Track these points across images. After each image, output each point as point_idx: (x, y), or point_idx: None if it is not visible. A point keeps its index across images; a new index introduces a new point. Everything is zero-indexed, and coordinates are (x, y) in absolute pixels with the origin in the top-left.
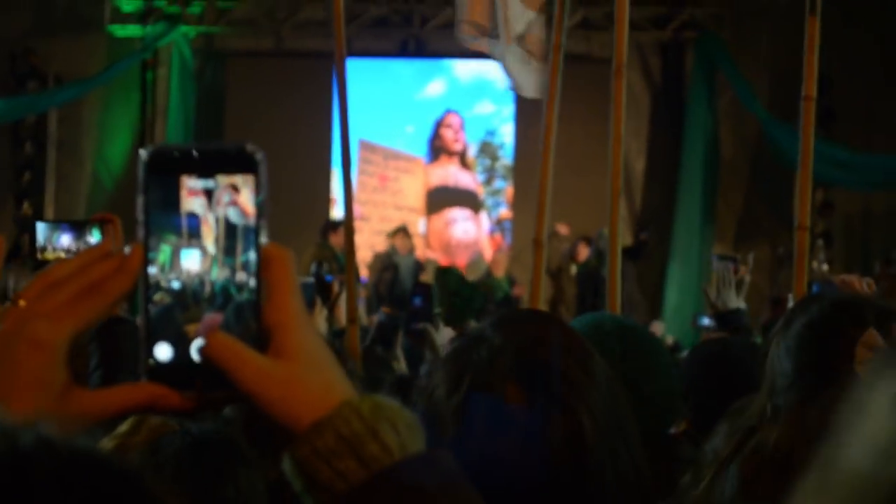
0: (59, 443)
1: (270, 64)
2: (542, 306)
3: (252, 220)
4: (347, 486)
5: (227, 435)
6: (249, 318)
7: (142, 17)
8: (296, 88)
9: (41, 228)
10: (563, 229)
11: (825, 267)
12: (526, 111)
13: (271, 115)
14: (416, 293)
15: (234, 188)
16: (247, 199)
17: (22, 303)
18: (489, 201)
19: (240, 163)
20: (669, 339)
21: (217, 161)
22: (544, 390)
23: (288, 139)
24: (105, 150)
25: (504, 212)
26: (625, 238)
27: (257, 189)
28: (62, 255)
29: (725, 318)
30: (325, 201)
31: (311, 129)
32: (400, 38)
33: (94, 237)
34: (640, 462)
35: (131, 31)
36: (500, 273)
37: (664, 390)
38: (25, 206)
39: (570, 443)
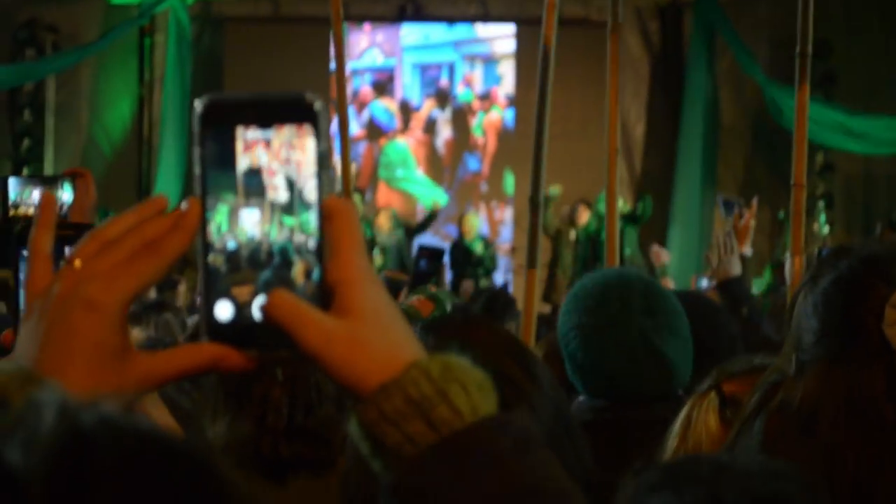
0: (122, 423)
1: (268, 29)
2: (540, 269)
3: (311, 175)
4: (417, 449)
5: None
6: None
7: None
8: (294, 54)
9: (13, 184)
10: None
11: (826, 229)
12: (525, 74)
13: (269, 81)
14: (421, 256)
15: (292, 142)
16: (305, 151)
17: (77, 263)
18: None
19: (298, 112)
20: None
21: (275, 111)
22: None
23: None
24: (103, 117)
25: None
26: (626, 202)
27: (318, 139)
28: (32, 210)
29: (727, 286)
30: None
31: None
32: (398, 3)
33: (65, 192)
34: (585, 459)
35: None
36: (470, 237)
37: (681, 352)
38: (24, 172)
39: None
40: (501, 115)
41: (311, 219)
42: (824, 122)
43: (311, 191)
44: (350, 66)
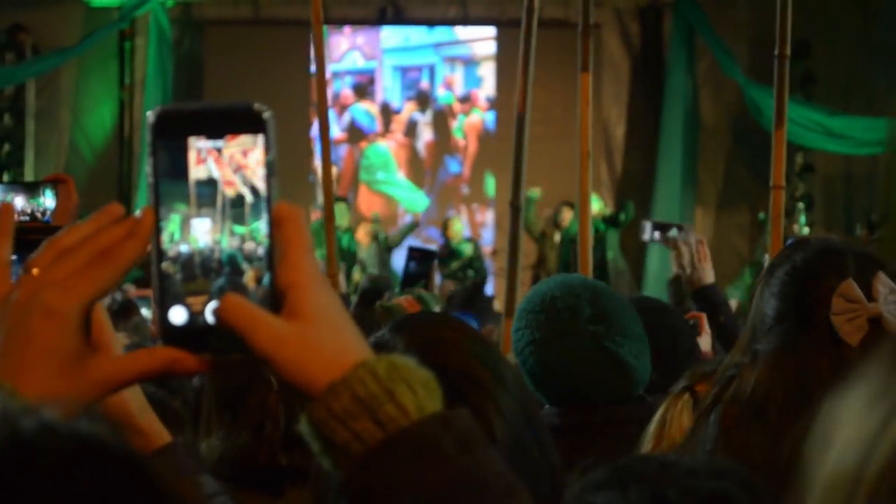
0: (62, 428)
1: (248, 32)
2: (524, 272)
3: (261, 183)
4: (364, 447)
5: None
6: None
7: None
8: (274, 57)
9: None
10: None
11: (806, 230)
12: (505, 76)
13: (250, 84)
14: (410, 258)
15: (242, 152)
16: (255, 160)
17: (35, 271)
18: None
19: (247, 122)
20: None
21: (225, 121)
22: (450, 393)
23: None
24: (84, 121)
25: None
26: (606, 204)
27: (266, 149)
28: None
29: (702, 294)
30: (305, 170)
31: (290, 98)
32: (378, 5)
33: (47, 198)
34: (552, 460)
35: (109, 0)
36: (456, 240)
37: (637, 352)
38: (5, 177)
39: None
40: (482, 117)
41: (262, 227)
42: (804, 123)
43: (260, 198)
44: (330, 68)
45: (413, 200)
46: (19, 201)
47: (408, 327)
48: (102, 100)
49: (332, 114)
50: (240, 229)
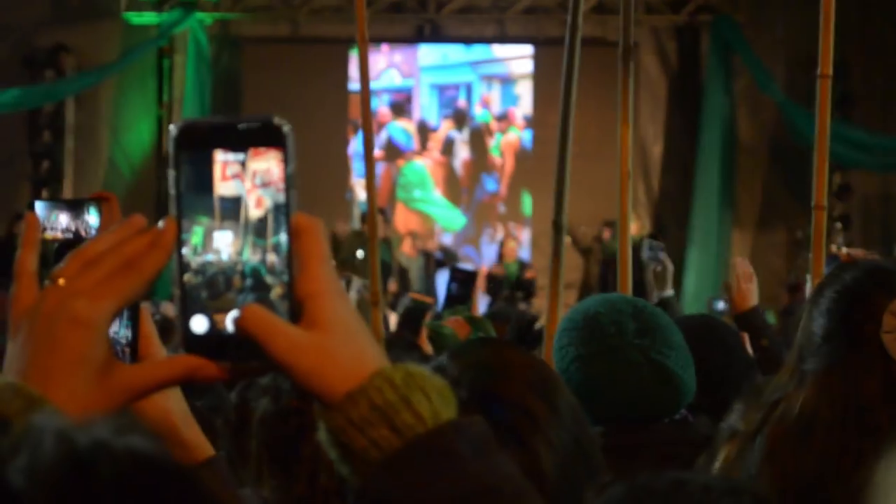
0: (115, 444)
1: (286, 50)
2: (564, 291)
3: (281, 196)
4: (382, 454)
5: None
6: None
7: (158, 4)
8: (312, 74)
9: (40, 208)
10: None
11: (844, 250)
12: (543, 95)
13: (288, 101)
14: (452, 279)
15: (264, 165)
16: (275, 173)
17: (61, 281)
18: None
19: (268, 136)
20: None
21: (246, 134)
22: (501, 423)
23: (304, 125)
24: (122, 138)
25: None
26: (643, 222)
27: (286, 162)
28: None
29: (745, 317)
30: (343, 188)
31: (328, 115)
32: (416, 24)
33: (91, 215)
34: None
35: (147, 18)
36: (510, 259)
37: (683, 363)
38: (43, 194)
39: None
40: (519, 135)
41: (283, 240)
42: (841, 142)
43: (279, 215)
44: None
45: (450, 218)
46: (63, 219)
47: (466, 354)
48: (141, 117)
49: None
50: (262, 242)
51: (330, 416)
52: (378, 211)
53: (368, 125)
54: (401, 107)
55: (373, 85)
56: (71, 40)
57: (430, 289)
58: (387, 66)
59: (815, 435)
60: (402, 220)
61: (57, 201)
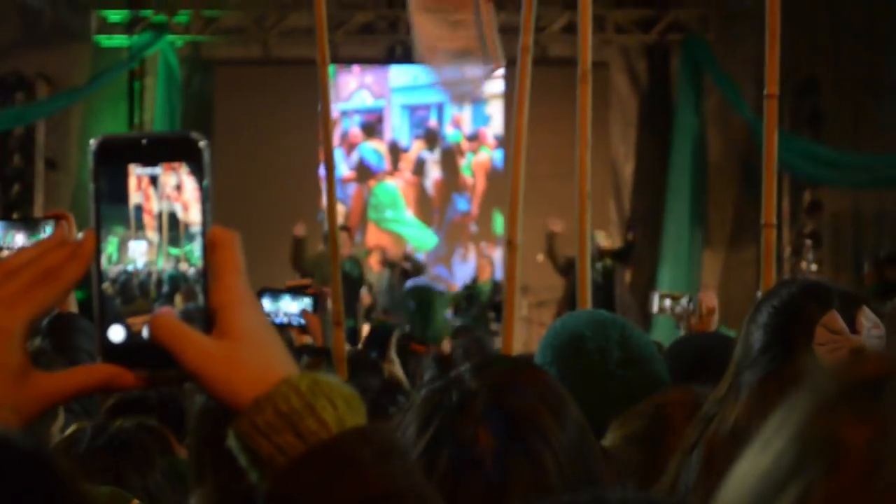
0: None
1: (258, 72)
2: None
3: (196, 209)
4: (287, 459)
5: (145, 430)
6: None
7: (128, 26)
8: (284, 96)
9: None
10: (557, 226)
11: (814, 267)
12: (514, 115)
13: (259, 124)
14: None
15: (178, 178)
16: (191, 187)
17: None
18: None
19: (184, 151)
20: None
21: (162, 149)
22: (512, 436)
23: (276, 147)
24: None
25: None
26: (614, 241)
27: (201, 175)
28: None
29: None
30: (314, 209)
31: (300, 137)
32: (387, 45)
33: (47, 234)
34: None
35: (118, 41)
36: (484, 279)
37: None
38: (14, 217)
39: (533, 488)
40: (490, 155)
41: (196, 249)
42: (812, 160)
43: (195, 223)
44: (339, 107)
45: (421, 238)
46: (20, 238)
47: (486, 368)
48: None
49: (340, 152)
50: (175, 251)
51: (237, 423)
52: (342, 228)
53: (329, 148)
54: (372, 127)
55: (344, 106)
56: (41, 63)
57: (396, 301)
58: (358, 87)
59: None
60: (375, 240)
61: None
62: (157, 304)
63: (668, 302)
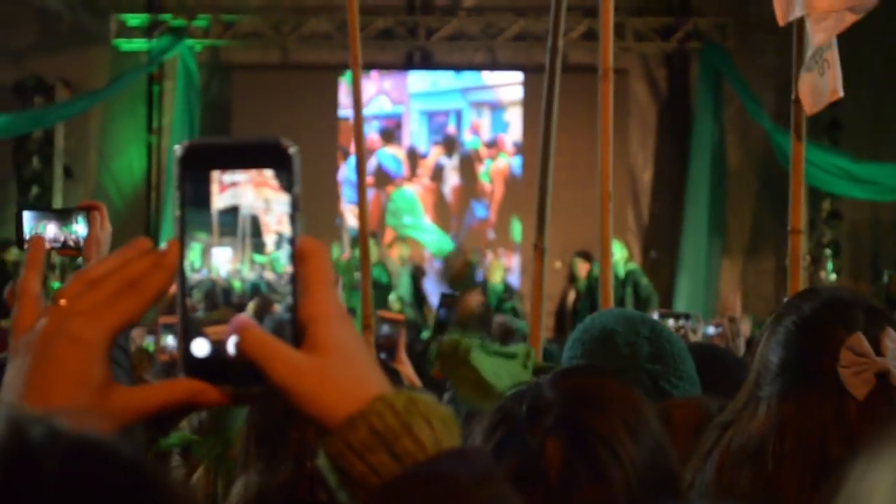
0: (67, 434)
1: (276, 77)
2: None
3: (285, 217)
4: (381, 480)
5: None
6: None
7: (147, 30)
8: (301, 101)
9: (27, 218)
10: (557, 264)
11: (833, 276)
12: (532, 121)
13: (277, 128)
14: (441, 304)
15: (266, 185)
16: (279, 194)
17: (62, 301)
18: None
19: (273, 157)
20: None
21: (250, 155)
22: (580, 449)
23: None
24: (112, 164)
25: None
26: (632, 250)
27: (291, 183)
28: (47, 244)
29: None
30: (332, 214)
31: (317, 142)
32: (406, 50)
33: (79, 225)
34: None
35: (137, 45)
36: (496, 280)
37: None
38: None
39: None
40: (509, 162)
41: (282, 257)
42: (830, 169)
43: (284, 232)
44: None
45: (439, 244)
46: (52, 228)
47: (565, 379)
48: (131, 143)
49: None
50: (260, 258)
51: (329, 441)
52: (370, 234)
53: (361, 152)
54: (390, 133)
55: (363, 111)
56: (61, 67)
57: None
58: (376, 93)
59: (762, 460)
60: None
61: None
62: (239, 312)
63: (670, 322)
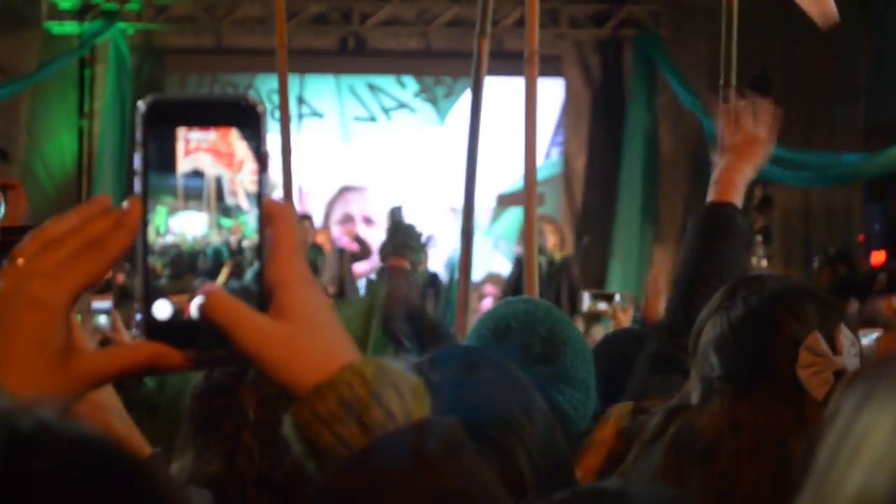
0: (58, 427)
1: (209, 60)
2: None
3: (252, 177)
4: (349, 451)
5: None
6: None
7: (79, 13)
8: (234, 85)
9: None
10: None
11: (764, 263)
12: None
13: None
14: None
15: (232, 144)
16: (245, 153)
17: (20, 262)
18: None
19: (240, 115)
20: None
21: (217, 112)
22: (481, 433)
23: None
24: (43, 149)
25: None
26: (565, 236)
27: (259, 142)
28: None
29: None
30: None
31: None
32: (339, 36)
33: None
34: None
35: (69, 28)
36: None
37: (578, 402)
38: None
39: (507, 486)
40: None
41: (250, 220)
42: None
43: (250, 193)
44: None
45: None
46: None
47: (446, 364)
48: (62, 128)
49: None
50: (227, 223)
51: (296, 409)
52: (304, 217)
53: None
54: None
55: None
56: None
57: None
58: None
59: (715, 461)
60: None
61: None
62: (204, 279)
63: (601, 304)
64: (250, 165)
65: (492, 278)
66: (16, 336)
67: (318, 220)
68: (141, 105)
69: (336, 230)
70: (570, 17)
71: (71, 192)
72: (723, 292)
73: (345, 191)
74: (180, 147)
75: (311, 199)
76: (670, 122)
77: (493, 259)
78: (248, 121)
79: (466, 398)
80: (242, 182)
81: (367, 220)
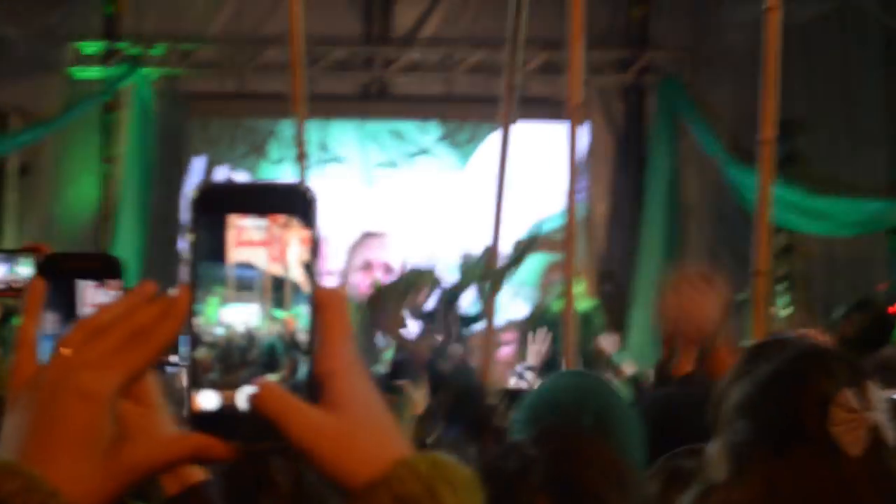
0: None
1: (233, 106)
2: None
3: (304, 266)
4: None
5: None
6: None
7: (103, 58)
8: (258, 131)
9: None
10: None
11: (784, 312)
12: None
13: (234, 158)
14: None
15: (285, 232)
16: (297, 241)
17: (66, 351)
18: None
19: (292, 202)
20: (628, 369)
21: (269, 199)
22: None
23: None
24: (65, 195)
25: None
26: (590, 283)
27: (311, 230)
28: None
29: None
30: None
31: (276, 173)
32: (362, 81)
33: (24, 267)
34: None
35: (93, 73)
36: None
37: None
38: None
39: None
40: None
41: (304, 312)
42: (786, 203)
43: (302, 282)
44: None
45: None
46: None
47: (548, 436)
48: (85, 172)
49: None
50: (280, 314)
51: None
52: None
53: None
54: None
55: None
56: (15, 95)
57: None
58: None
59: None
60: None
61: None
62: (255, 371)
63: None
64: (302, 253)
65: (511, 326)
66: (63, 428)
67: (339, 266)
68: (192, 191)
69: (357, 276)
70: (592, 63)
71: (93, 237)
72: (744, 358)
73: (367, 237)
74: (231, 235)
75: (332, 245)
76: (693, 168)
77: (512, 305)
78: (300, 207)
79: (561, 472)
80: (294, 270)
81: (387, 269)
